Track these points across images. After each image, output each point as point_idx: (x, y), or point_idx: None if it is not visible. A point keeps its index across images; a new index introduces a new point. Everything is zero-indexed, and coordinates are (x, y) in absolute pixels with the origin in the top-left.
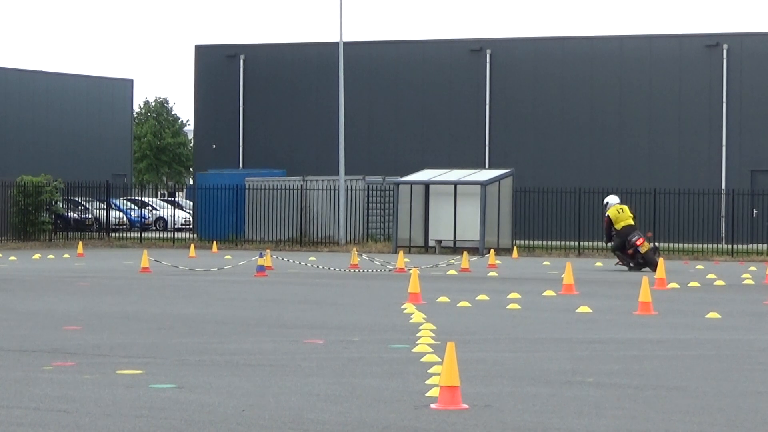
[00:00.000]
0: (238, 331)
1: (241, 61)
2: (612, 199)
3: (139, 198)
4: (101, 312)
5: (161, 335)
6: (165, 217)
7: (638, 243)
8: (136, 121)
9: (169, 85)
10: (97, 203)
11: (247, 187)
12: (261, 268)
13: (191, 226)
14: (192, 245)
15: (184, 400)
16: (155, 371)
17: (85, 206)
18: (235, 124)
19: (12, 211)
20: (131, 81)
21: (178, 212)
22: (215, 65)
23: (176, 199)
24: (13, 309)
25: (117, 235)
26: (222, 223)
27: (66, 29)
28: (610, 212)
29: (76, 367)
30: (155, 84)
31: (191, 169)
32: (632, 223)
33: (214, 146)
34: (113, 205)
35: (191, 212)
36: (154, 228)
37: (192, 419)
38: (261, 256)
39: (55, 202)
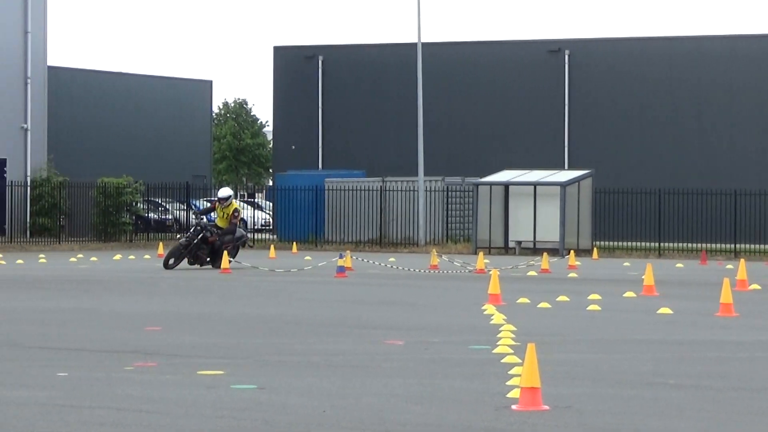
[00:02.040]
0: (318, 331)
1: (320, 62)
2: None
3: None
4: (182, 313)
5: (242, 336)
6: (245, 218)
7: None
8: (216, 122)
9: (248, 86)
10: (177, 204)
11: (326, 188)
12: (341, 269)
13: (271, 227)
14: (272, 246)
15: (265, 400)
16: (236, 372)
17: (165, 207)
18: (314, 125)
19: (93, 213)
20: (210, 82)
21: (258, 213)
22: (294, 66)
23: (256, 200)
24: (94, 310)
25: None
26: (302, 224)
27: (146, 31)
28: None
29: (157, 367)
30: (234, 85)
31: (270, 170)
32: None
33: (293, 147)
34: (193, 206)
35: (271, 213)
36: None
37: (272, 420)
38: (341, 256)
39: (136, 203)
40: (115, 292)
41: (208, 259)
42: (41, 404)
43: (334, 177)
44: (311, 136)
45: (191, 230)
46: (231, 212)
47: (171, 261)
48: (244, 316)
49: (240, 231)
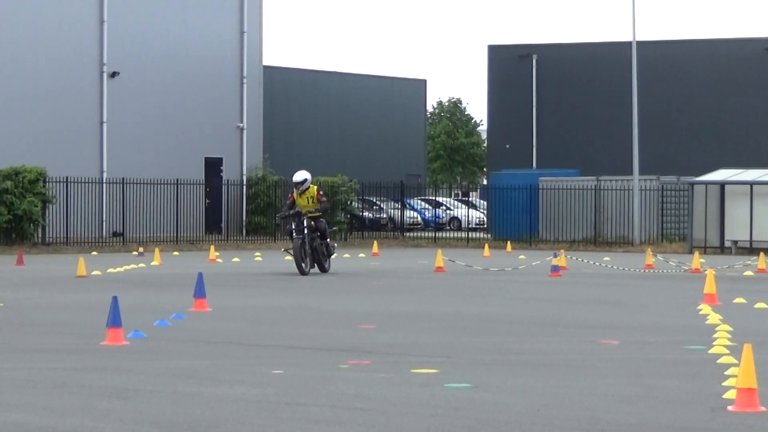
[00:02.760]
0: (532, 330)
1: (534, 61)
2: None
3: (433, 198)
4: (396, 311)
5: (455, 334)
6: (459, 216)
7: None
8: (430, 121)
9: (463, 85)
10: (392, 203)
11: (540, 187)
12: (555, 268)
13: (485, 226)
14: (486, 245)
15: (479, 399)
16: (450, 370)
17: (380, 206)
18: (528, 124)
19: None
20: (424, 81)
21: (472, 212)
22: (508, 65)
23: (470, 198)
24: (309, 307)
25: (411, 234)
26: (516, 222)
27: (361, 30)
28: None
29: (371, 365)
30: (448, 84)
31: (485, 169)
32: None
33: (507, 146)
34: (408, 205)
35: (485, 212)
36: (448, 228)
37: (486, 419)
38: (555, 256)
39: (351, 202)
40: (329, 290)
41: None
42: (256, 401)
43: (548, 176)
44: (525, 135)
45: (293, 226)
46: (315, 193)
47: (303, 266)
48: (458, 314)
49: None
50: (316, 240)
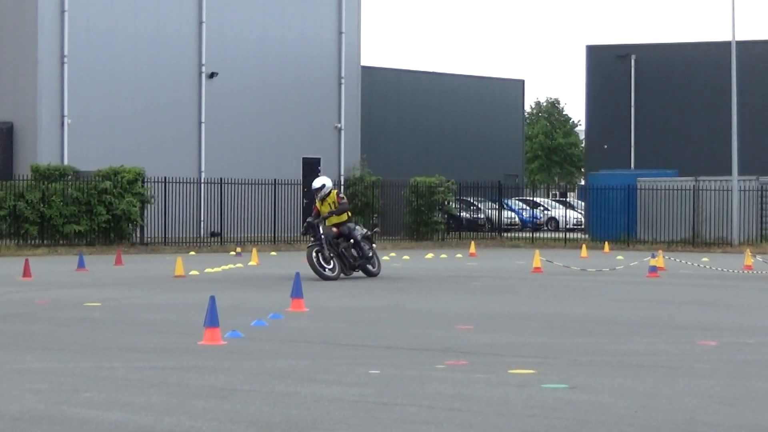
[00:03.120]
0: (629, 331)
1: (632, 61)
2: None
3: (531, 198)
4: (493, 311)
5: (553, 335)
6: (557, 217)
7: None
8: (528, 121)
9: (561, 85)
10: (490, 203)
11: (638, 187)
12: (653, 269)
13: (583, 227)
14: (583, 245)
15: (576, 400)
16: (547, 371)
17: (477, 206)
18: (627, 125)
19: (405, 211)
20: (522, 81)
21: (570, 212)
22: (606, 65)
23: (568, 199)
24: (406, 308)
25: (509, 235)
26: (613, 223)
27: (459, 30)
28: None
29: (468, 366)
30: (546, 84)
31: (582, 170)
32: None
33: (606, 147)
34: (505, 205)
35: (583, 212)
36: (545, 228)
37: (584, 419)
38: (653, 256)
39: (448, 203)
40: (426, 290)
41: (355, 254)
42: (353, 401)
43: (646, 176)
44: (623, 136)
45: (311, 235)
46: (335, 197)
47: (323, 272)
48: (556, 315)
49: (358, 228)
50: (341, 245)
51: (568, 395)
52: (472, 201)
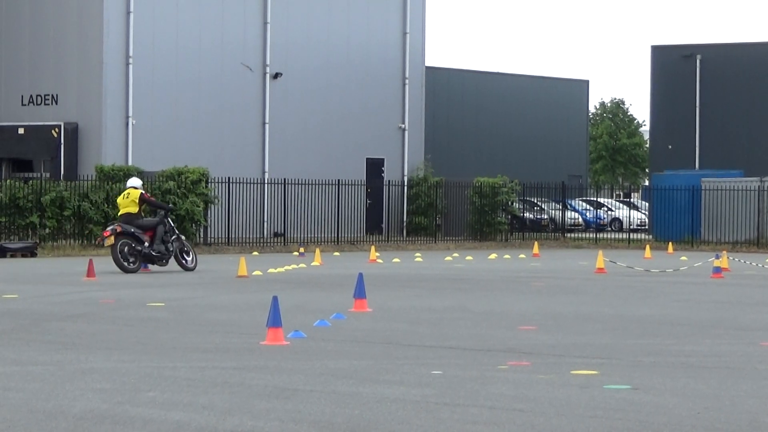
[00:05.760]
0: (693, 332)
1: (698, 61)
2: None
3: (595, 199)
4: (556, 312)
5: (616, 336)
6: (620, 217)
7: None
8: (592, 121)
9: (625, 85)
10: (553, 204)
11: (703, 188)
12: (717, 270)
13: (647, 227)
14: (647, 246)
15: (639, 401)
16: (610, 372)
17: (540, 207)
18: (691, 125)
19: (469, 212)
20: (587, 82)
21: (634, 213)
22: (671, 65)
23: (632, 199)
24: (469, 308)
25: (572, 235)
26: (678, 224)
27: (523, 30)
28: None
29: (531, 366)
30: (611, 85)
31: (647, 170)
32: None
33: (670, 147)
34: (569, 206)
35: (647, 213)
36: (609, 229)
37: (646, 420)
38: (717, 257)
39: (511, 203)
40: (489, 291)
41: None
42: (415, 402)
43: (711, 177)
44: (688, 136)
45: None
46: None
47: (125, 265)
48: (619, 316)
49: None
50: (134, 237)
51: (630, 396)
52: (535, 201)
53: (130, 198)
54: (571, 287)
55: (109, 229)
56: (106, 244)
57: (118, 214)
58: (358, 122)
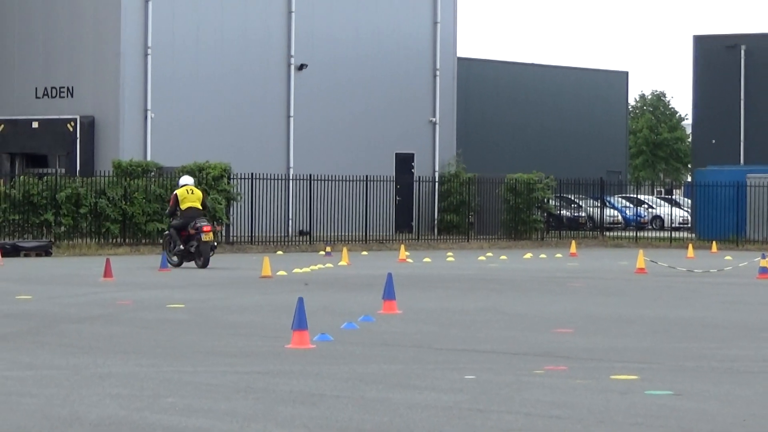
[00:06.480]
0: (738, 336)
1: (742, 52)
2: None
3: (635, 196)
4: (594, 314)
5: (657, 339)
6: (662, 215)
7: (204, 229)
8: (632, 115)
9: (667, 77)
10: (591, 201)
11: (748, 184)
12: (763, 270)
13: (689, 225)
14: (690, 245)
15: (681, 407)
16: (650, 377)
17: (578, 204)
18: (736, 118)
19: (502, 209)
20: (626, 74)
21: (676, 210)
22: (715, 56)
23: (674, 196)
24: (503, 310)
25: (611, 234)
26: (722, 221)
27: (561, 20)
28: (179, 191)
29: (567, 371)
30: (652, 77)
31: (689, 166)
32: (198, 207)
33: (714, 141)
34: (608, 203)
35: (689, 210)
36: (650, 227)
37: (689, 428)
38: (763, 257)
39: (547, 200)
40: (524, 292)
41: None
42: (447, 407)
43: (757, 172)
44: (732, 130)
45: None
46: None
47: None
48: (660, 318)
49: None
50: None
51: (672, 402)
52: (572, 198)
53: (195, 195)
54: (609, 288)
55: (208, 224)
56: (204, 239)
57: (184, 207)
58: (386, 115)
